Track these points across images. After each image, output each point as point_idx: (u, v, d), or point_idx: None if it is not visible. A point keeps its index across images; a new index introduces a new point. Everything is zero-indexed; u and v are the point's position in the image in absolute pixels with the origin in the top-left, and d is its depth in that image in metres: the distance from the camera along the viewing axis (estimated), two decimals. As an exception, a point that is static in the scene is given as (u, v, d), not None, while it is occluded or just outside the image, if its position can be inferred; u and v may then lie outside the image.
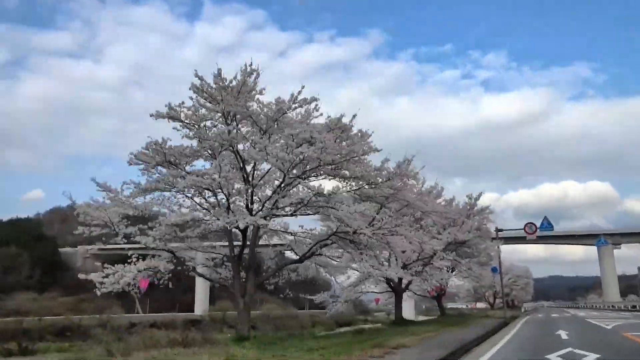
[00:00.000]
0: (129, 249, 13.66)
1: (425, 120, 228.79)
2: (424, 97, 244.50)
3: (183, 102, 12.22)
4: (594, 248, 69.79)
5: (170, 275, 13.10)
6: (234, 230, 12.56)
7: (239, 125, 12.60)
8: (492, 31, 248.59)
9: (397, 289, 23.36)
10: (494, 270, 29.88)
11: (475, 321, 22.95)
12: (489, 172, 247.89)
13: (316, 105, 12.55)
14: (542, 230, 25.62)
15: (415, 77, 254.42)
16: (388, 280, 21.58)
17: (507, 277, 50.43)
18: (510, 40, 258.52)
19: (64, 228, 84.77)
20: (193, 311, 51.74)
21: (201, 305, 55.61)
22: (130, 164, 12.44)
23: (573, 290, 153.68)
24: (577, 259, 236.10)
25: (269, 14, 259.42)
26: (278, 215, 13.12)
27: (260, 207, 12.73)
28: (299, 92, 12.43)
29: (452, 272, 26.66)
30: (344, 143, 12.53)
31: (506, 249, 54.18)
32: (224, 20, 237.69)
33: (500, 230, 26.65)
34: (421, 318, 37.65)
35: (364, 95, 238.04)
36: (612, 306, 51.86)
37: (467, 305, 69.75)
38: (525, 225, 25.79)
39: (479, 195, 25.30)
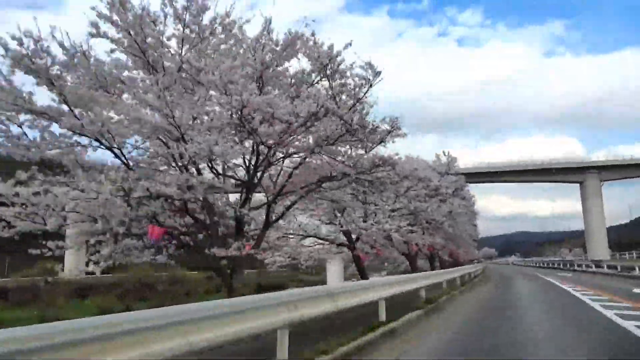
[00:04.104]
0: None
1: (399, 77, 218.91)
2: (399, 54, 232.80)
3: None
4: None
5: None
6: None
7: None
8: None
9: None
10: None
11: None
12: (461, 129, 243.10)
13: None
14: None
15: (390, 33, 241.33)
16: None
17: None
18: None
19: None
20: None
21: (71, 263, 37.53)
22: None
23: (541, 245, 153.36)
24: (545, 214, 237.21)
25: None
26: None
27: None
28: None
29: None
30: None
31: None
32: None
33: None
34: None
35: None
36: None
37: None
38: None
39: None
